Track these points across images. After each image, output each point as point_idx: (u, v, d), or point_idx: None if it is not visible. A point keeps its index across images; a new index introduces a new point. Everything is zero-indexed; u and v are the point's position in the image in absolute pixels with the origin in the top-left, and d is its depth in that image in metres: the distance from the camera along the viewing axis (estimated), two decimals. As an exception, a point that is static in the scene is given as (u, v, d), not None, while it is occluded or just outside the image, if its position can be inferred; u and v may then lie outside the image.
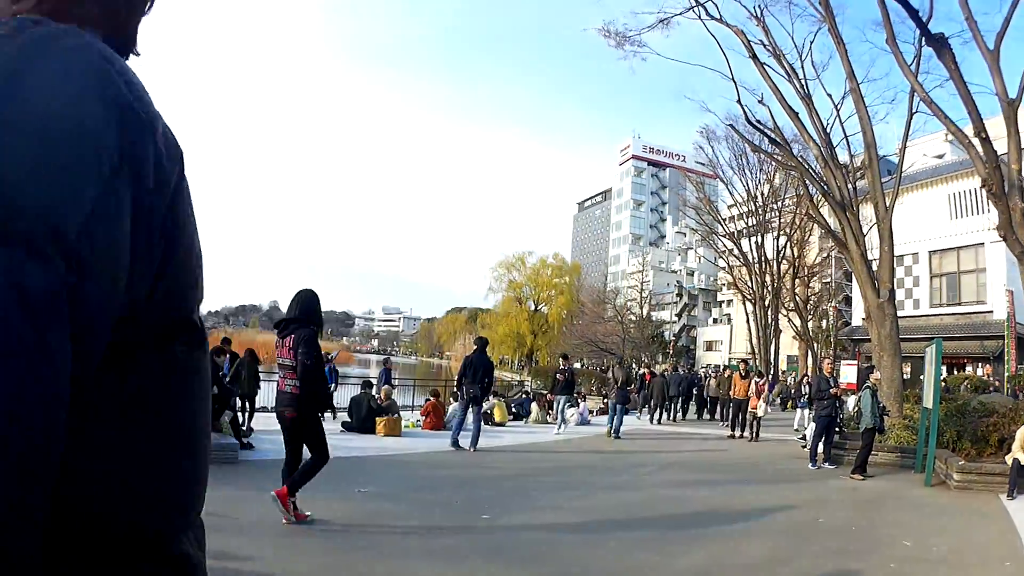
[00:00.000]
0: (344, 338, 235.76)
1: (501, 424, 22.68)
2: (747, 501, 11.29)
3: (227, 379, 15.11)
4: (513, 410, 26.02)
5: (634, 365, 61.21)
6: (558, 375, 21.38)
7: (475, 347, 16.63)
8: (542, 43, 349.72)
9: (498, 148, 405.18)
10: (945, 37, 16.22)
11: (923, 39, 17.67)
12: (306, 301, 8.19)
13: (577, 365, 73.14)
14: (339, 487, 4.73)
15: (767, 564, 7.55)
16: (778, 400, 38.00)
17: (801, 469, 15.64)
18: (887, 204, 20.12)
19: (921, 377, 31.09)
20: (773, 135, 23.08)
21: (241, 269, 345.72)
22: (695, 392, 30.85)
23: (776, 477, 14.51)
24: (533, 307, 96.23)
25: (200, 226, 1.17)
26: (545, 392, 30.14)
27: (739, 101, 23.13)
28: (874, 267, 20.30)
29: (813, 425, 16.98)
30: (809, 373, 40.47)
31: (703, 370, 36.20)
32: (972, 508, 11.54)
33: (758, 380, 23.14)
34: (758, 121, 23.53)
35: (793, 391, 38.76)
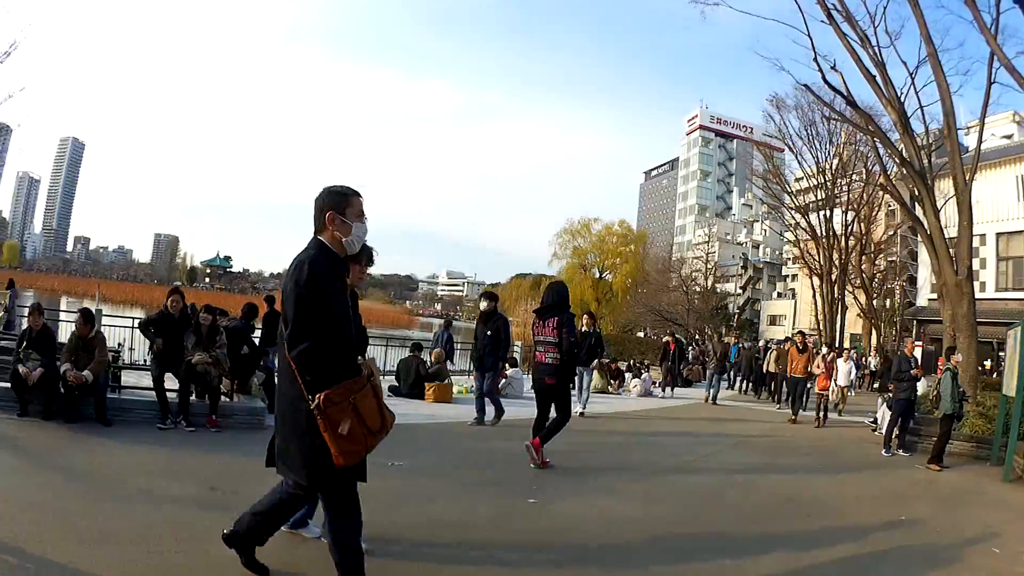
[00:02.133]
0: (407, 301, 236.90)
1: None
2: (818, 493, 10.52)
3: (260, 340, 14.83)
4: None
5: (698, 337, 60.73)
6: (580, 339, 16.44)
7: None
8: (612, 11, 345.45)
9: (567, 116, 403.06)
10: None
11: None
12: (560, 291, 10.65)
13: (640, 335, 72.80)
14: (371, 458, 4.34)
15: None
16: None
17: (874, 456, 14.67)
18: (966, 177, 19.29)
19: (991, 363, 30.00)
20: (849, 97, 21.81)
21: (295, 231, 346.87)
22: (754, 367, 29.70)
23: (847, 465, 13.53)
24: (597, 274, 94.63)
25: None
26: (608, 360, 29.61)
27: (815, 60, 21.73)
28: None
29: (886, 409, 16.10)
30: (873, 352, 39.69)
31: (763, 343, 34.92)
32: None
33: (825, 356, 21.38)
34: (835, 87, 22.26)
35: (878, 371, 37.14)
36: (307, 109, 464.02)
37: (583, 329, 17.08)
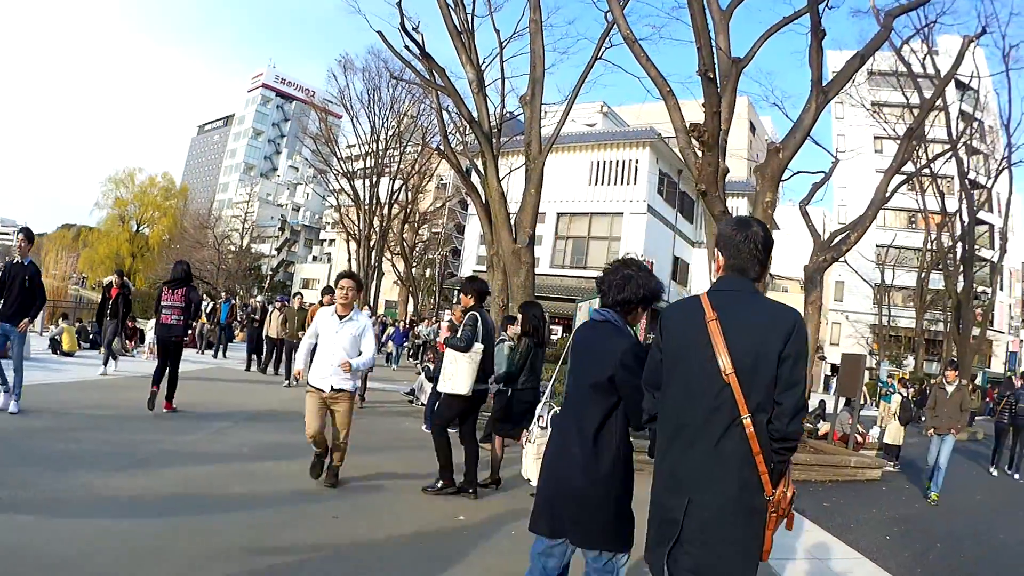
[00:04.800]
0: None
1: (69, 354, 19.24)
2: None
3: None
4: (91, 337, 22.49)
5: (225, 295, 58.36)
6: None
7: None
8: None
9: (115, 49, 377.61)
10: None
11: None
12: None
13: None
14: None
15: None
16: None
17: (409, 429, 12.94)
18: (542, 145, 18.90)
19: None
20: (424, 49, 20.11)
21: None
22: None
23: (388, 441, 12.05)
24: (136, 227, 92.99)
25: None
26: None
27: (399, 6, 20.03)
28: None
29: (424, 380, 14.48)
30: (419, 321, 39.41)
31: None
32: None
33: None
34: (411, 35, 20.33)
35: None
36: None
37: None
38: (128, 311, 17.55)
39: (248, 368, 20.71)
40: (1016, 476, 17.29)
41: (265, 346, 20.85)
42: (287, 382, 17.60)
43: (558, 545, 4.20)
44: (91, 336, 22.44)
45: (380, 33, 20.25)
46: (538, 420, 5.67)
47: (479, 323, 8.34)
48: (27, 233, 10.32)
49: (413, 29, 19.81)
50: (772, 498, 3.31)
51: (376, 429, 12.14)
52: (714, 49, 13.97)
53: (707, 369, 3.34)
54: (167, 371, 11.79)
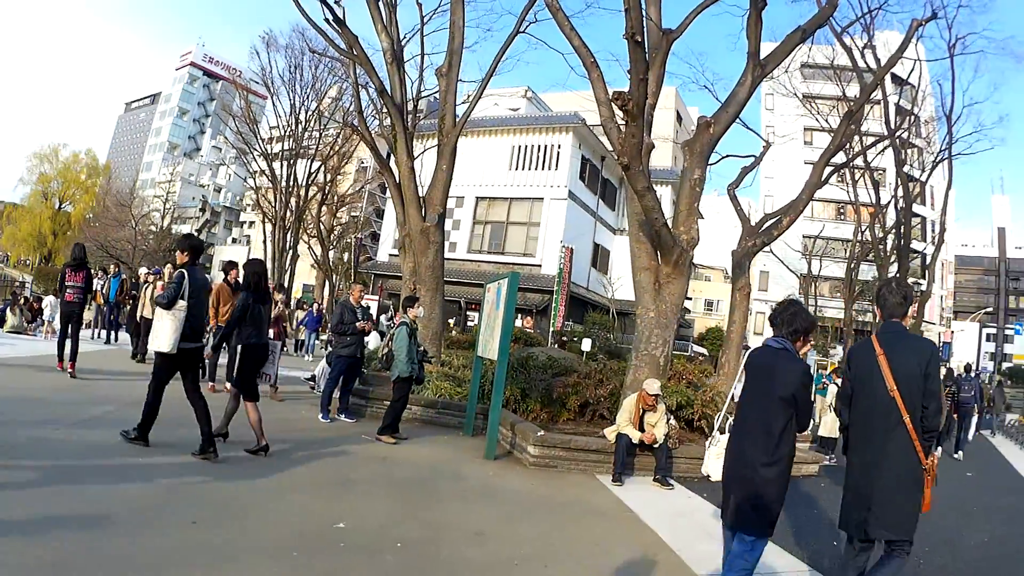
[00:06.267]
0: None
1: None
2: (227, 478, 7.56)
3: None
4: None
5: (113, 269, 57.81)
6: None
7: None
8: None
9: (44, 19, 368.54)
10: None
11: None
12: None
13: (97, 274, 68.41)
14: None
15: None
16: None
17: (309, 420, 11.91)
18: (456, 119, 18.31)
19: (455, 321, 29.26)
20: (337, 16, 18.92)
21: None
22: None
23: (270, 434, 9.32)
24: (58, 205, 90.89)
25: None
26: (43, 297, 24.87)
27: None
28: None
29: (326, 365, 13.95)
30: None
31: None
32: (575, 499, 8.71)
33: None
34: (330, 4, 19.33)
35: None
36: None
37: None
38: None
39: (134, 356, 17.43)
40: (957, 455, 18.32)
41: (141, 328, 17.29)
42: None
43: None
44: None
45: (296, 2, 19.40)
46: (718, 429, 6.42)
47: (185, 280, 8.21)
48: None
49: (335, 2, 18.86)
50: (927, 466, 5.15)
51: (265, 418, 11.31)
52: (644, 19, 13.39)
53: (880, 388, 5.20)
54: (71, 340, 13.36)
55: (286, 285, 47.17)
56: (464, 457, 10.39)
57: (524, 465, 10.23)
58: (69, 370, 13.12)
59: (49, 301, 21.87)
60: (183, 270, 8.31)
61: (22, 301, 24.37)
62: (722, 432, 6.18)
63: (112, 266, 25.39)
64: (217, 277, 75.14)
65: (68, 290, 13.57)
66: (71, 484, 6.43)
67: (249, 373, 8.90)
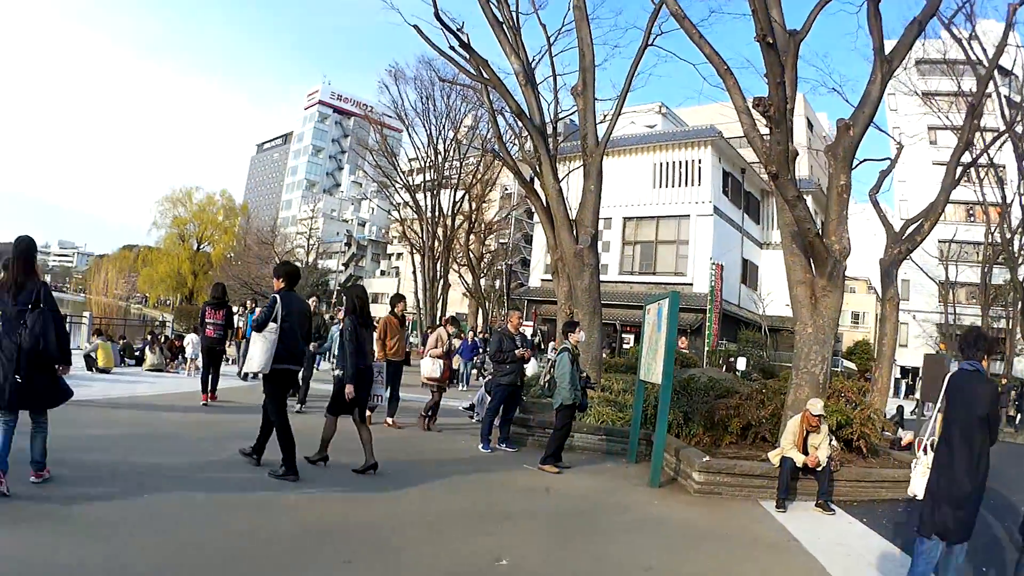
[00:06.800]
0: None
1: (106, 370, 19.40)
2: (376, 516, 7.48)
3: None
4: (135, 353, 23.95)
5: (250, 304, 59.32)
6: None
7: None
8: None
9: (182, 84, 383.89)
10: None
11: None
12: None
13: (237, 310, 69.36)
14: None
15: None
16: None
17: (470, 451, 11.90)
18: (599, 139, 17.75)
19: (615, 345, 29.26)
20: (464, 40, 19.01)
21: None
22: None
23: (430, 465, 10.29)
24: (196, 246, 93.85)
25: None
26: (182, 335, 25.69)
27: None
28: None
29: (486, 394, 13.90)
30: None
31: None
32: (740, 529, 8.38)
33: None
34: (449, 26, 19.54)
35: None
36: None
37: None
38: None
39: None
40: None
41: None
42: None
43: (936, 544, 5.74)
44: (136, 353, 23.48)
45: (417, 28, 18.97)
46: (924, 449, 6.30)
47: (277, 304, 8.58)
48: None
49: (458, 30, 18.95)
50: None
51: (424, 448, 11.45)
52: (771, 21, 13.23)
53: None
54: (211, 374, 14.69)
55: (439, 314, 47.48)
56: (627, 486, 10.18)
57: (688, 492, 9.94)
58: (211, 400, 14.45)
59: (191, 339, 22.47)
60: (276, 294, 8.72)
61: (162, 340, 25.07)
62: (926, 452, 6.30)
63: (249, 301, 26.43)
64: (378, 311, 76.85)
65: (208, 327, 14.77)
66: (216, 522, 6.53)
67: (358, 398, 9.15)
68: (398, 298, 14.08)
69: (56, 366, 6.94)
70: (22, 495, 6.41)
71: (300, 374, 12.35)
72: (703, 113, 39.38)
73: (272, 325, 8.51)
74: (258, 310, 9.47)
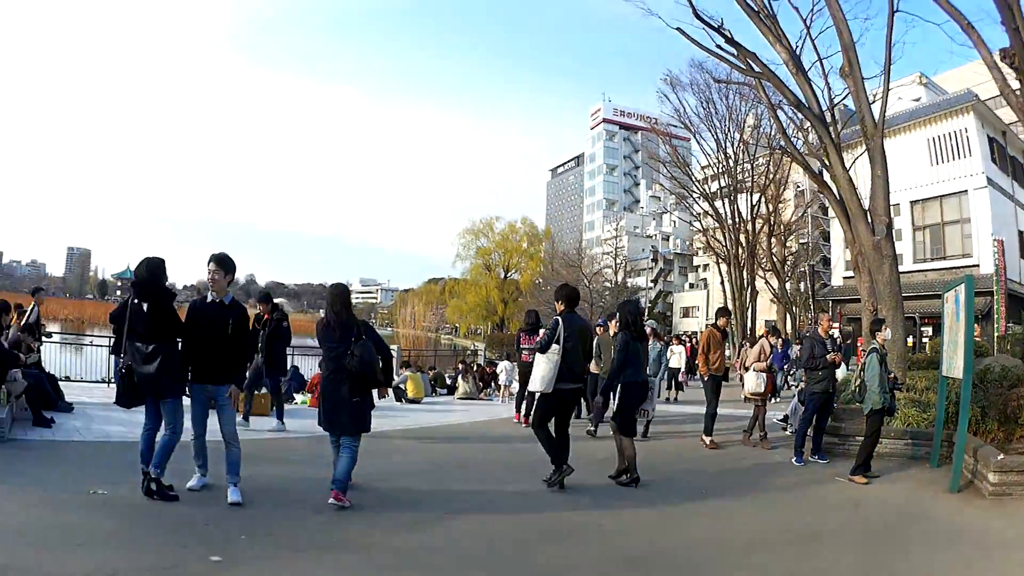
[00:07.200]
0: (321, 310, 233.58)
1: (416, 401, 19.91)
2: (696, 536, 7.40)
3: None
4: (447, 382, 25.02)
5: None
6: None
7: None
8: (508, 17, 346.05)
9: (467, 118, 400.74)
10: None
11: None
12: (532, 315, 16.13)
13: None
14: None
15: None
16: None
17: (783, 465, 11.49)
18: (875, 119, 16.59)
19: (913, 340, 27.28)
20: (726, 34, 18.70)
21: (220, 244, 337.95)
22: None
23: (742, 482, 10.20)
24: (503, 274, 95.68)
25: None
26: (496, 362, 26.70)
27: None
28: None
29: (798, 404, 13.14)
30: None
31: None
32: None
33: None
34: (709, 22, 18.96)
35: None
36: (214, 118, 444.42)
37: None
38: None
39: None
40: None
41: None
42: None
43: None
44: (448, 382, 24.29)
45: (680, 30, 18.78)
46: None
47: (559, 326, 8.98)
48: (221, 260, 7.68)
49: (719, 27, 18.67)
50: None
51: (740, 464, 11.33)
52: None
53: None
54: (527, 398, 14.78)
55: (750, 323, 47.40)
56: (928, 493, 9.48)
57: (983, 496, 9.01)
58: (526, 424, 13.91)
59: (504, 366, 23.22)
60: (558, 317, 9.14)
61: (474, 368, 25.77)
62: None
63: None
64: (680, 324, 76.27)
65: (524, 352, 14.84)
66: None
67: (628, 411, 9.59)
68: (723, 311, 14.39)
69: (375, 390, 8.08)
70: (323, 521, 6.86)
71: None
72: (962, 76, 36.29)
73: (555, 347, 8.91)
74: (542, 331, 9.92)
